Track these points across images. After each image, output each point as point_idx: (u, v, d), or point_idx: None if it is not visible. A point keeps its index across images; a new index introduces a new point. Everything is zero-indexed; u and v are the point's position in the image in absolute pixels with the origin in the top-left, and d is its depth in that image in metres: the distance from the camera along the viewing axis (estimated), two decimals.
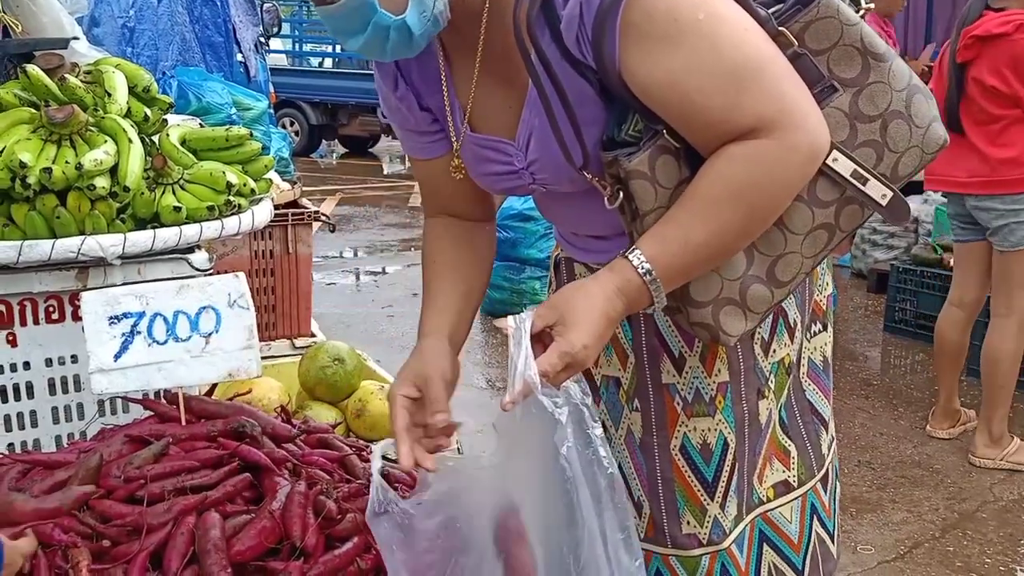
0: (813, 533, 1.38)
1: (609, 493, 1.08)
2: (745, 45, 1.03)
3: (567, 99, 1.08)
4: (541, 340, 1.06)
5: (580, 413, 1.08)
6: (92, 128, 1.68)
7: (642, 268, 1.06)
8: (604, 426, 1.35)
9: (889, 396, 4.15)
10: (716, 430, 1.27)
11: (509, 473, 1.12)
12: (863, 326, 5.21)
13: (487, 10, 1.12)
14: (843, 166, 1.11)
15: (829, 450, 1.41)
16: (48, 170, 1.57)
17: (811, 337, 1.37)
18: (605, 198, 1.13)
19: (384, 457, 1.18)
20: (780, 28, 1.08)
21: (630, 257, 1.07)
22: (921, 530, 2.98)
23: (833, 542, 1.42)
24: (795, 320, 1.31)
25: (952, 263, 4.56)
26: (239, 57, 5.69)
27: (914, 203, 5.78)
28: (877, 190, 1.12)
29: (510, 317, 1.07)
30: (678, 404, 1.28)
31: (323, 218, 2.88)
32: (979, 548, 2.88)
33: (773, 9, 1.10)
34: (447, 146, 1.29)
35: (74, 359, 1.65)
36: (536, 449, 1.07)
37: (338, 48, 14.45)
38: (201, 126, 2.07)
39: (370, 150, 13.74)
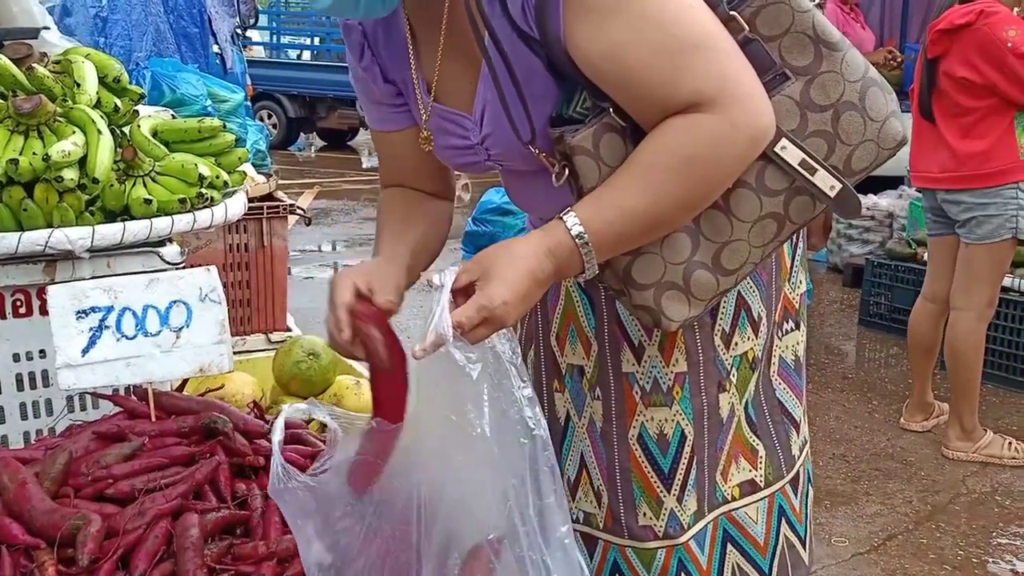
0: (781, 536, 1.36)
1: (536, 455, 1.05)
2: (689, 21, 1.04)
3: (514, 72, 1.07)
4: (467, 295, 1.04)
5: (506, 371, 1.04)
6: (60, 119, 1.65)
7: (575, 230, 1.05)
8: (568, 415, 1.35)
9: (864, 389, 4.19)
10: (673, 421, 1.27)
11: (420, 431, 1.09)
12: (838, 320, 5.25)
13: None
14: (791, 155, 1.10)
15: (801, 452, 1.39)
16: (15, 161, 1.54)
17: (783, 335, 1.36)
18: (553, 175, 1.12)
19: (306, 422, 1.16)
20: (731, 12, 1.08)
21: (564, 219, 1.06)
22: (895, 522, 3.01)
23: (805, 548, 1.40)
24: (760, 314, 1.30)
25: (926, 257, 4.62)
26: (215, 48, 5.63)
27: (889, 198, 5.84)
28: (825, 181, 1.11)
29: (435, 272, 1.05)
30: (636, 393, 1.27)
31: (299, 211, 2.85)
32: (952, 540, 2.91)
33: None
34: (410, 119, 1.30)
35: (42, 354, 1.62)
36: (449, 406, 1.04)
37: (317, 40, 14.36)
38: (173, 117, 2.05)
39: (349, 143, 13.67)
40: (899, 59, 5.98)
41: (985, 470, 3.39)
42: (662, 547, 1.28)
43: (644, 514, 1.28)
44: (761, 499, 1.34)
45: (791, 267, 1.35)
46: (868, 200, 5.72)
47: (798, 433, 1.39)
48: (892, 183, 5.88)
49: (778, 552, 1.36)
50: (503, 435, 1.03)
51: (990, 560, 2.81)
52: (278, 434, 1.09)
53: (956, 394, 3.45)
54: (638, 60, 1.03)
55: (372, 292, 1.17)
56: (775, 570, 1.36)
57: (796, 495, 1.38)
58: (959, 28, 3.15)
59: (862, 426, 3.77)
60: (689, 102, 1.02)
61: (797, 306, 1.38)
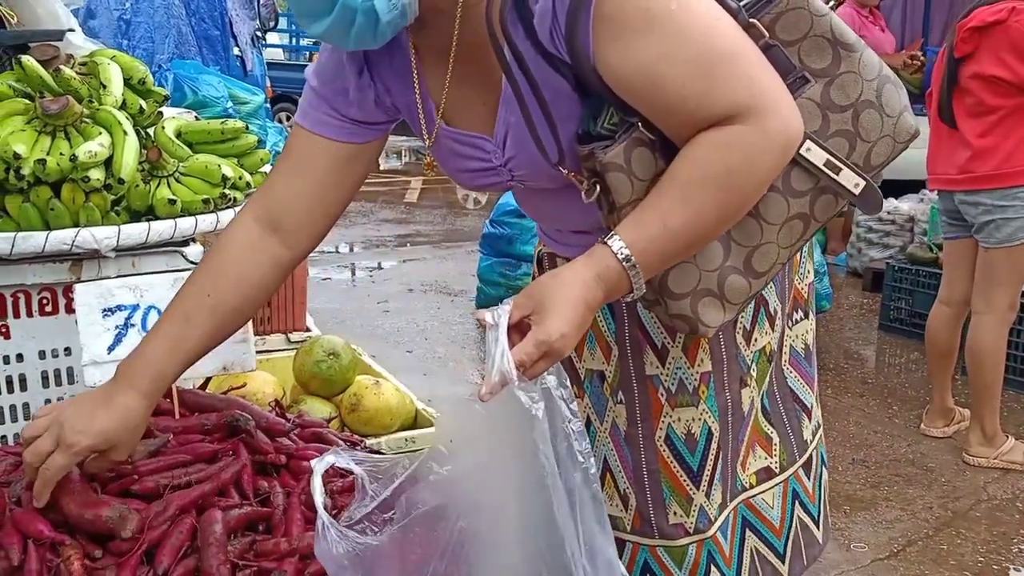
0: (795, 518, 1.40)
1: (585, 487, 1.05)
2: (719, 34, 1.04)
3: (541, 95, 1.08)
4: (520, 330, 1.04)
5: (556, 406, 1.05)
6: (87, 120, 1.67)
7: (621, 254, 1.05)
8: (589, 420, 1.36)
9: (884, 395, 4.16)
10: (700, 420, 1.28)
11: (474, 473, 1.08)
12: (858, 325, 5.22)
13: (460, 6, 1.10)
14: (816, 156, 1.12)
15: (813, 437, 1.43)
16: (42, 161, 1.56)
17: (792, 325, 1.38)
18: (582, 192, 1.13)
19: (339, 469, 1.15)
20: (751, 20, 1.09)
21: (609, 243, 1.06)
22: (915, 528, 2.99)
23: (818, 527, 1.44)
24: (776, 309, 1.33)
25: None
26: (235, 51, 5.69)
27: (910, 202, 5.79)
28: (850, 179, 1.13)
29: (487, 310, 1.04)
30: (662, 395, 1.28)
31: None
32: (972, 547, 2.89)
33: (744, 1, 1.11)
34: (359, 138, 1.24)
35: (67, 351, 1.65)
36: (511, 446, 1.04)
37: None
38: (197, 119, 2.07)
39: None
40: (921, 61, 5.93)
41: (1006, 476, 3.36)
42: (693, 542, 1.30)
43: (674, 513, 1.30)
44: (776, 485, 1.38)
45: (800, 259, 1.38)
46: (889, 204, 5.68)
47: (810, 419, 1.42)
48: (913, 187, 5.84)
49: (792, 533, 1.40)
50: (559, 471, 1.04)
51: (1011, 567, 2.78)
52: (319, 496, 1.08)
53: (977, 400, 3.42)
54: (672, 77, 1.03)
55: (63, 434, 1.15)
56: (790, 550, 1.40)
57: (809, 478, 1.42)
58: (990, 25, 3.12)
59: (882, 431, 3.74)
60: (722, 114, 1.03)
61: (806, 296, 1.41)
